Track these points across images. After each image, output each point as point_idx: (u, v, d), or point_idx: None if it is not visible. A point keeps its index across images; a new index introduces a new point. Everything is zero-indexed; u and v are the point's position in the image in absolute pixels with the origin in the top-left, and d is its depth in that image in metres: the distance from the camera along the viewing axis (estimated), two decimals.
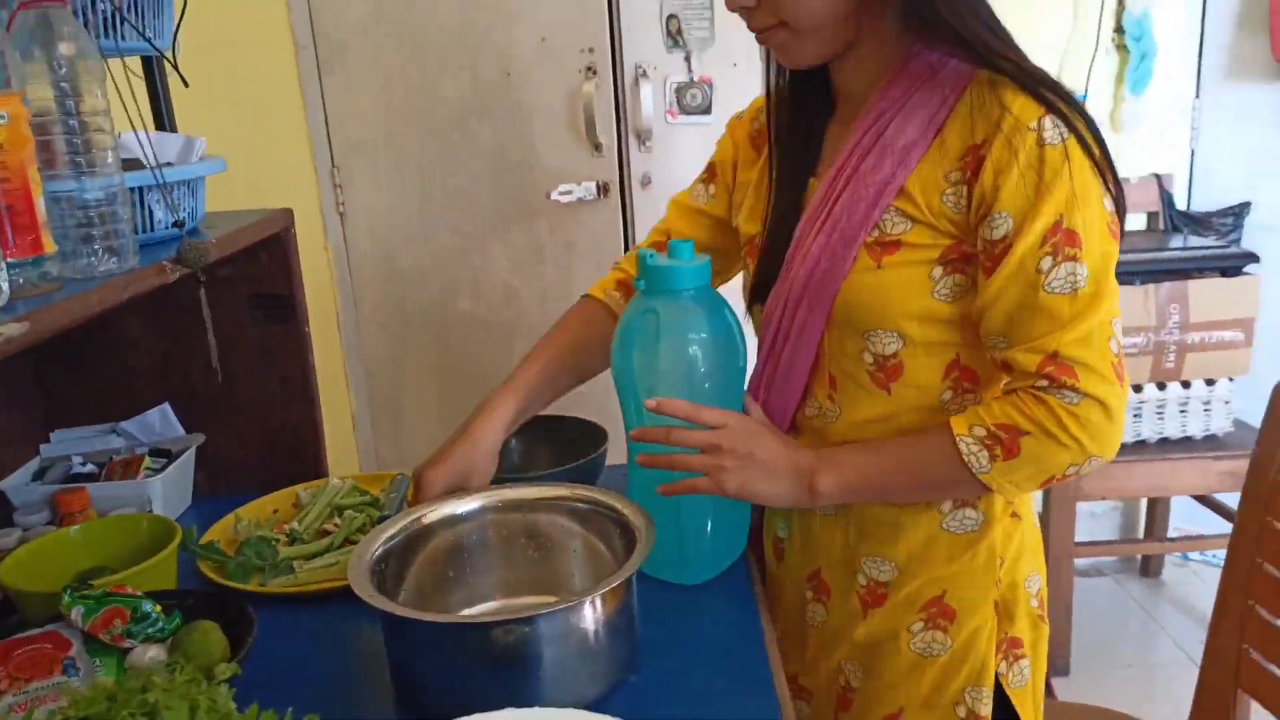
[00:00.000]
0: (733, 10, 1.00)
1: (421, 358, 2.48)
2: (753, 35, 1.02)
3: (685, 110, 2.28)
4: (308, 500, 1.38)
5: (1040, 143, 0.89)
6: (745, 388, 1.11)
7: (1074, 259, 0.89)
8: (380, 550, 1.00)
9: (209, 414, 1.48)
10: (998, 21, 0.95)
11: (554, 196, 2.31)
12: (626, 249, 2.37)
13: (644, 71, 2.25)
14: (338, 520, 1.31)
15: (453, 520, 1.07)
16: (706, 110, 2.28)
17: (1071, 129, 0.90)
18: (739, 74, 2.28)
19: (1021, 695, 1.05)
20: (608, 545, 1.04)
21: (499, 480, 1.25)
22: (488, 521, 1.08)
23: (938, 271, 0.96)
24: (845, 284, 0.98)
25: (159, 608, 0.98)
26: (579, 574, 1.07)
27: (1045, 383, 0.90)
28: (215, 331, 1.30)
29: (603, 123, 2.26)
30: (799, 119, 1.08)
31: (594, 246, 2.35)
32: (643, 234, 2.37)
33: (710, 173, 1.23)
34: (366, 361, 2.51)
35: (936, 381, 0.99)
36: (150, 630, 0.97)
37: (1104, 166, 0.92)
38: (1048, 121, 0.89)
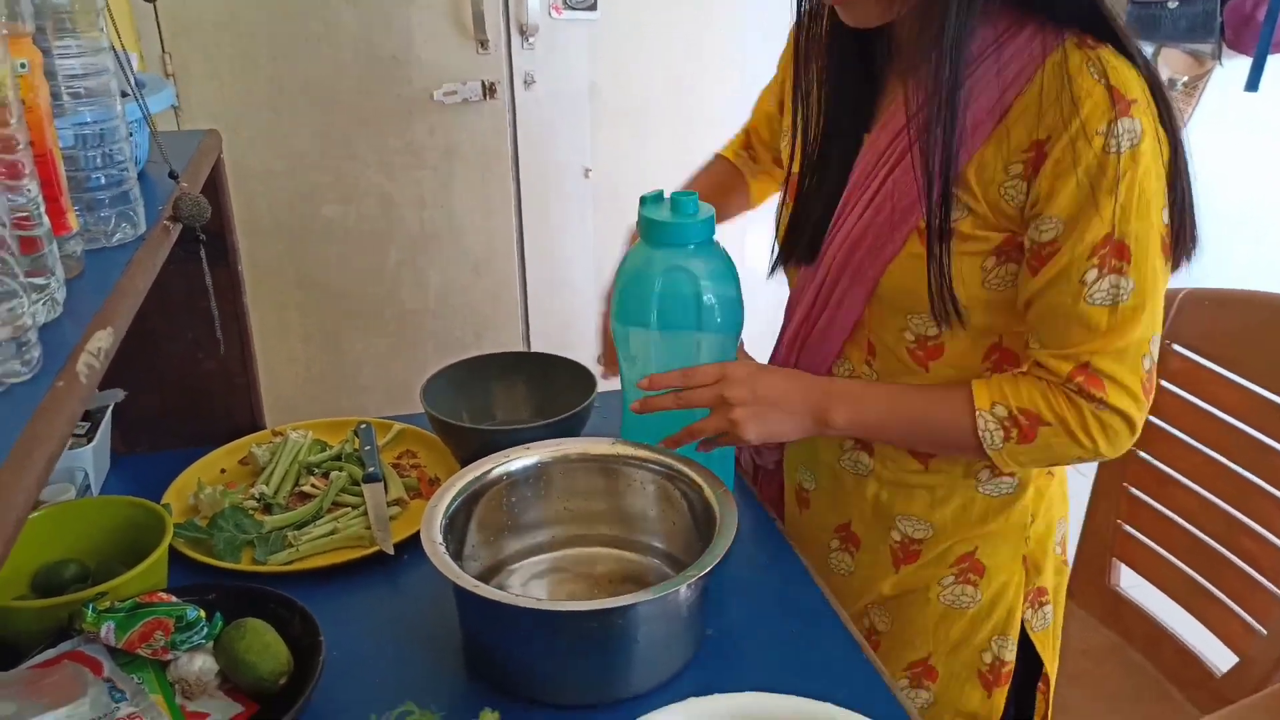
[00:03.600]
0: None
1: (279, 270, 2.28)
2: None
3: (570, 5, 2.16)
4: (264, 457, 1.26)
5: (1106, 149, 0.83)
6: (775, 342, 1.12)
7: (1120, 271, 0.86)
8: (445, 521, 0.94)
9: (120, 365, 1.30)
10: None
11: (437, 97, 2.14)
12: (515, 153, 2.26)
13: None
14: (314, 481, 1.22)
15: (512, 473, 1.04)
16: (593, 7, 2.18)
17: (1147, 131, 0.84)
18: None
19: (1043, 637, 1.09)
20: (674, 486, 1.03)
21: (486, 433, 1.21)
22: (550, 470, 1.05)
23: (990, 262, 0.92)
24: (891, 266, 0.95)
25: (203, 613, 0.89)
26: (647, 517, 1.06)
27: (1074, 389, 0.89)
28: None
29: (490, 17, 2.10)
30: (855, 62, 0.99)
31: (478, 151, 2.22)
32: (527, 137, 2.28)
33: (778, 76, 1.17)
34: None
35: (977, 362, 0.98)
36: (196, 639, 0.88)
37: (1176, 174, 0.87)
38: (1121, 125, 0.83)
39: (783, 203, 1.10)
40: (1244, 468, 1.36)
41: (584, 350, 2.50)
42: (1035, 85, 0.86)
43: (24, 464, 0.51)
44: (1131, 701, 1.45)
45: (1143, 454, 1.51)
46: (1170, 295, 1.49)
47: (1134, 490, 1.53)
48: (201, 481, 1.20)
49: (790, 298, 1.10)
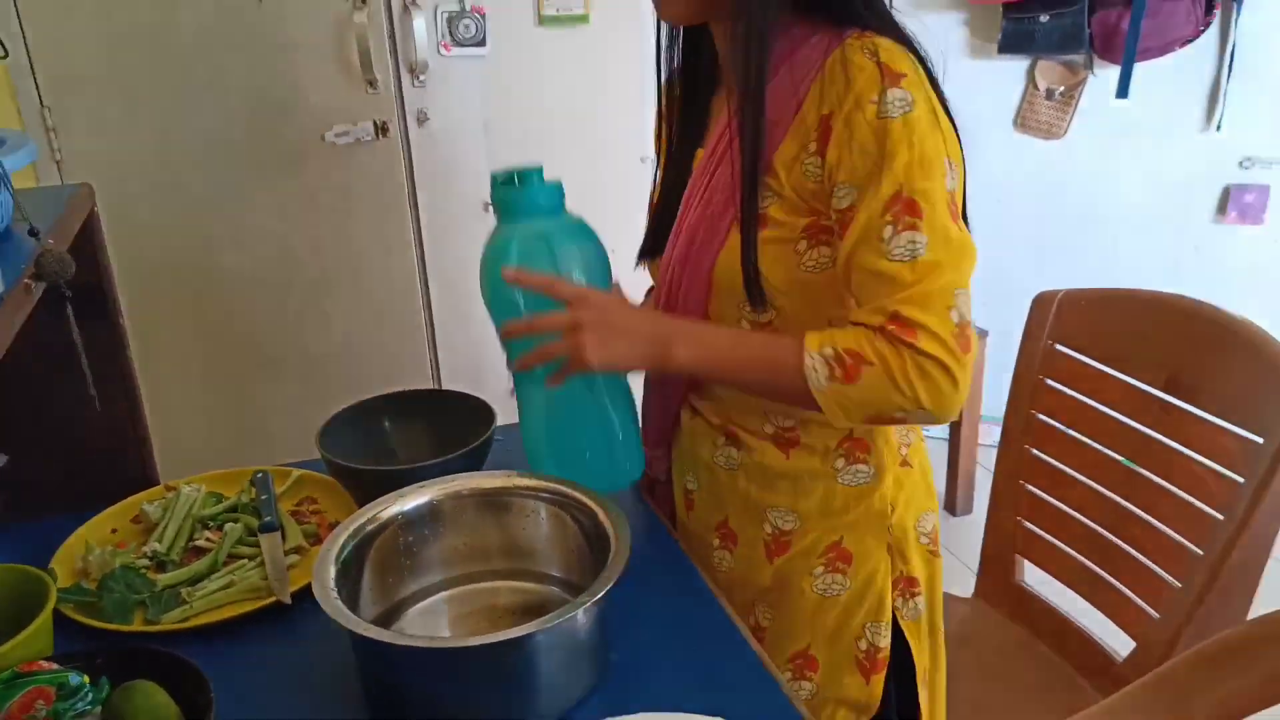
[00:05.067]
0: None
1: (179, 322, 2.23)
2: None
3: (459, 42, 2.17)
4: (157, 514, 1.23)
5: (879, 115, 0.91)
6: None
7: (914, 228, 0.91)
8: (338, 566, 0.93)
9: (3, 428, 1.26)
10: None
11: (329, 139, 2.13)
12: (413, 190, 2.25)
13: None
14: (209, 535, 1.19)
15: (405, 512, 1.04)
16: (481, 43, 2.19)
17: (919, 101, 0.91)
18: (512, 4, 2.20)
19: (914, 626, 1.13)
20: (566, 513, 1.04)
21: (381, 473, 1.19)
22: (443, 507, 1.05)
23: (803, 245, 0.99)
24: (720, 255, 1.02)
25: (87, 678, 0.86)
26: (544, 546, 1.07)
27: (889, 336, 0.93)
28: None
29: (377, 56, 2.10)
30: (688, 89, 1.11)
31: (374, 190, 2.21)
32: (424, 175, 2.27)
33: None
34: None
35: None
36: (81, 706, 0.85)
37: (950, 141, 0.94)
38: (892, 94, 0.91)
39: (650, 207, 1.18)
40: (1130, 459, 1.41)
41: (496, 384, 2.49)
42: (821, 73, 0.96)
43: None
44: (1042, 693, 1.48)
45: (1036, 452, 1.56)
46: (1049, 297, 1.54)
47: (1031, 488, 1.58)
48: (90, 543, 1.16)
49: (654, 293, 1.18)
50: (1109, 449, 1.44)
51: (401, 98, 2.19)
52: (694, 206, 1.07)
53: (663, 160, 1.16)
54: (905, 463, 1.12)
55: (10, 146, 0.99)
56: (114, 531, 1.23)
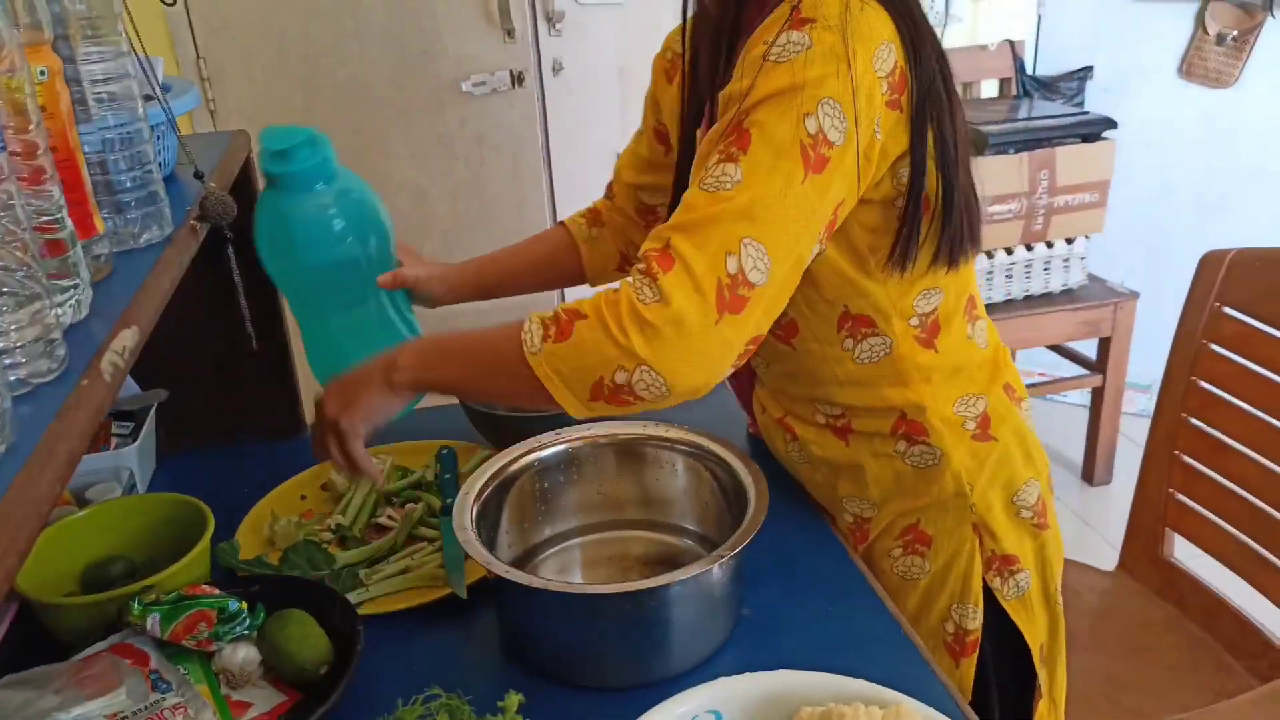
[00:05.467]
0: None
1: None
2: None
3: None
4: (343, 485, 1.22)
5: (764, 56, 0.82)
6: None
7: (733, 159, 0.81)
8: (476, 508, 0.95)
9: (159, 365, 1.33)
10: None
11: (466, 88, 2.15)
12: (546, 140, 2.27)
13: None
14: (391, 513, 1.17)
15: (543, 459, 1.05)
16: None
17: (822, 46, 0.81)
18: None
19: (1018, 605, 1.06)
20: (703, 465, 1.03)
21: (521, 420, 1.20)
22: (579, 454, 1.07)
23: None
24: None
25: (245, 605, 0.91)
26: (679, 498, 1.07)
27: (642, 267, 0.81)
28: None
29: (515, 5, 2.10)
30: (696, 66, 1.04)
31: (509, 140, 2.23)
32: (557, 125, 2.28)
33: (643, 120, 1.22)
34: None
35: (832, 334, 0.98)
36: (239, 630, 0.90)
37: (866, 89, 0.82)
38: (787, 36, 0.82)
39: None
40: None
41: None
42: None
43: (47, 459, 0.52)
44: (1189, 671, 1.41)
45: (1195, 420, 1.47)
46: (1218, 256, 1.44)
47: (1186, 458, 1.49)
48: (275, 513, 1.16)
49: None
50: (1277, 420, 1.35)
51: (538, 47, 2.20)
52: None
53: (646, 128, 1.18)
54: (987, 436, 1.02)
55: (176, 92, 1.03)
56: (303, 499, 1.23)
